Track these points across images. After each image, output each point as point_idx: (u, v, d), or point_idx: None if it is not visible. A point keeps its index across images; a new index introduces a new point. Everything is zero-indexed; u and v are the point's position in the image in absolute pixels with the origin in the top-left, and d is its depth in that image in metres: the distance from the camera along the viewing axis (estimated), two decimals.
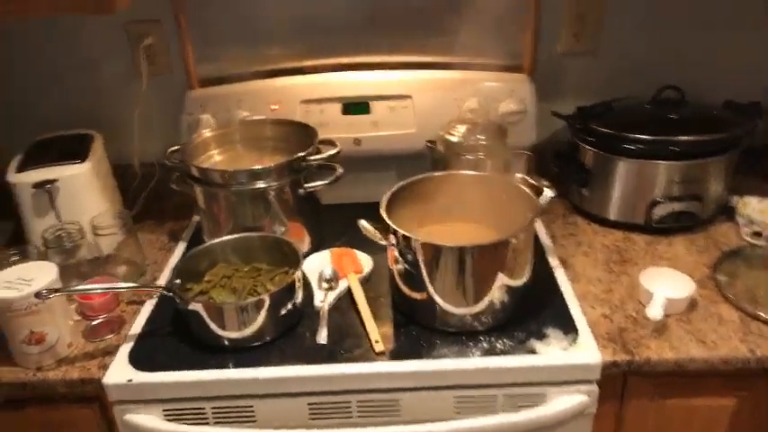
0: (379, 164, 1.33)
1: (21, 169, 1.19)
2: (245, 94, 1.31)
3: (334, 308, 1.07)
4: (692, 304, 1.03)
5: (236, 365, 0.96)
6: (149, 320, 1.07)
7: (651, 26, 1.35)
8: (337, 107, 1.30)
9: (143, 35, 1.33)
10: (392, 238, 0.98)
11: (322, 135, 1.23)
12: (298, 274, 1.03)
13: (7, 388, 0.99)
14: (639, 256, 1.17)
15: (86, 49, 1.35)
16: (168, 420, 0.97)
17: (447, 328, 1.00)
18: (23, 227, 1.21)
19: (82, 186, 1.20)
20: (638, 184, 1.20)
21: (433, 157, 1.26)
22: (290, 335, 1.02)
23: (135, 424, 0.97)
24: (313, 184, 1.17)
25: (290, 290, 1.02)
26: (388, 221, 0.98)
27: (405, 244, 0.96)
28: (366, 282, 1.13)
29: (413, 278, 0.98)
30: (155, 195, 1.41)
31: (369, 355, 0.97)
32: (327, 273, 1.12)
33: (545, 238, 1.23)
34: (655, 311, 0.98)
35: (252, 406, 0.96)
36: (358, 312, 1.05)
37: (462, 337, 0.98)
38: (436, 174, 1.12)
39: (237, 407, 0.96)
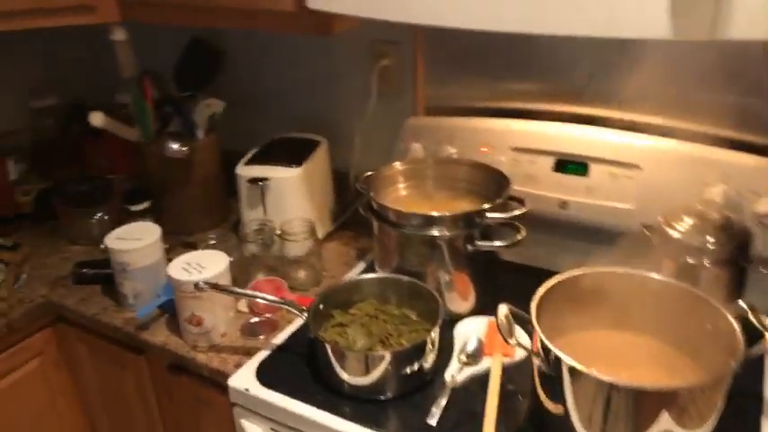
0: (586, 234, 1.14)
1: (249, 162, 1.33)
2: (458, 130, 1.23)
3: (464, 387, 0.96)
4: None
5: (339, 413, 0.93)
6: (293, 335, 1.10)
7: None
8: (549, 161, 1.15)
9: (382, 55, 1.35)
10: (536, 343, 0.82)
11: (528, 189, 1.10)
12: (432, 336, 0.95)
13: (170, 356, 1.12)
14: None
15: (336, 63, 1.43)
16: None
17: None
18: (240, 215, 1.35)
19: (290, 188, 1.29)
20: None
21: (647, 245, 1.02)
22: (410, 398, 0.95)
23: (246, 430, 1.01)
24: (487, 243, 1.05)
25: (418, 351, 0.94)
26: (535, 324, 0.82)
27: (545, 355, 0.80)
28: (514, 369, 0.98)
29: (553, 389, 0.82)
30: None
31: None
32: (471, 346, 1.01)
33: None
34: None
35: None
36: (485, 402, 0.92)
37: None
38: (619, 270, 0.91)
39: None
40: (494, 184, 1.12)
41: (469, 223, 1.05)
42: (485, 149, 1.20)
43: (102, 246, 1.18)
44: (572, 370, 0.77)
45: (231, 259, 1.11)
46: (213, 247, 1.20)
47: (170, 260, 1.11)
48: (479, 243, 1.05)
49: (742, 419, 0.87)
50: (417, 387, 0.96)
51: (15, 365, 1.27)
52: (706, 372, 0.83)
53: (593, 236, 1.11)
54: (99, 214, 1.42)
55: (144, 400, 1.26)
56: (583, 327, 0.90)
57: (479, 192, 1.16)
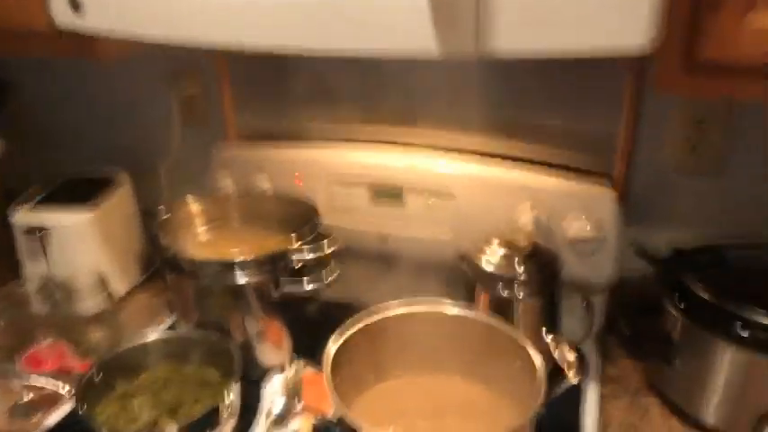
0: (408, 268, 1.06)
1: (33, 208, 1.14)
2: (270, 160, 1.12)
3: None
4: None
5: None
6: (72, 413, 0.92)
7: None
8: (366, 192, 1.06)
9: (183, 81, 1.22)
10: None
11: (345, 223, 1.02)
12: (227, 400, 0.83)
13: None
14: None
15: (137, 92, 1.28)
16: None
17: None
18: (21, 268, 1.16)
19: (78, 236, 1.11)
20: (745, 384, 0.79)
21: (463, 277, 0.96)
22: None
23: None
24: (296, 288, 0.95)
25: (211, 420, 0.81)
26: (329, 387, 0.71)
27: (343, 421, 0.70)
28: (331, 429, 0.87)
29: None
30: None
31: None
32: (277, 407, 0.88)
33: (590, 426, 0.87)
34: None
35: None
36: None
37: None
38: (422, 309, 0.83)
39: None
40: (305, 219, 1.02)
41: (276, 265, 0.94)
42: (298, 181, 1.10)
43: None
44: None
45: None
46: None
47: None
48: (289, 287, 0.94)
49: None
50: None
51: None
52: (520, 413, 0.77)
53: (417, 269, 1.04)
54: None
55: None
56: (390, 375, 0.82)
57: (293, 229, 1.05)
